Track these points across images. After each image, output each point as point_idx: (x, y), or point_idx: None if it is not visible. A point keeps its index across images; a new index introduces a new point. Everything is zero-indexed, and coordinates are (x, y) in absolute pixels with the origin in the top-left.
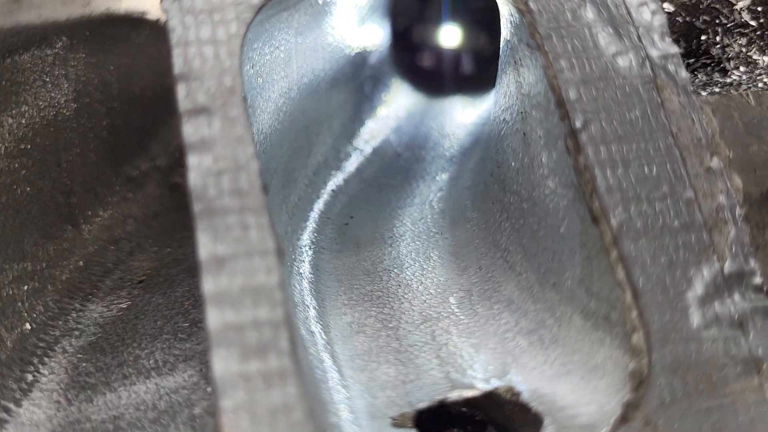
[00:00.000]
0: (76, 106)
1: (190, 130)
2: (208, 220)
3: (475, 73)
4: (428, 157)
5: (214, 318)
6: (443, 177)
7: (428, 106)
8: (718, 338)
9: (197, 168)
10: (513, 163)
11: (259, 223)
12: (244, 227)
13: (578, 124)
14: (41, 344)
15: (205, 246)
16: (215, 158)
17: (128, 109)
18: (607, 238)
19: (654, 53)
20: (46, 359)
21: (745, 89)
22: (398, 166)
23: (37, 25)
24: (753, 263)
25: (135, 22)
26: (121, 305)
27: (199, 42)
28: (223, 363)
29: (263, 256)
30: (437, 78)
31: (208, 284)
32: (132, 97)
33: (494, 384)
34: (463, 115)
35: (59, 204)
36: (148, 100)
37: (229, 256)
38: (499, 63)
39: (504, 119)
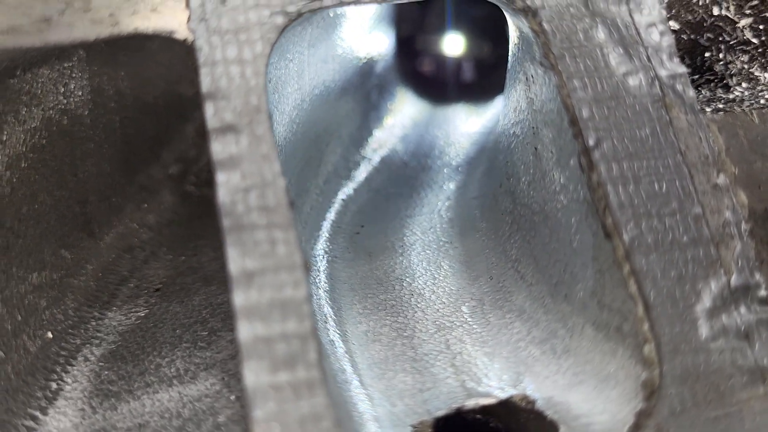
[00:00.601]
0: (91, 116)
1: (218, 148)
2: (237, 235)
3: (479, 81)
4: (435, 166)
5: (244, 331)
6: (450, 186)
7: (433, 114)
8: (725, 349)
9: (226, 185)
10: (524, 177)
11: (286, 238)
12: (272, 242)
13: (591, 142)
14: (63, 352)
15: (235, 261)
16: (243, 175)
17: (141, 117)
18: (620, 253)
19: (663, 73)
20: (68, 367)
21: (748, 105)
22: (405, 175)
23: (66, 44)
24: (758, 277)
25: (154, 37)
26: (139, 314)
27: (226, 62)
28: (254, 374)
29: (290, 271)
30: (441, 86)
31: (239, 298)
32: (145, 105)
33: (509, 392)
34: (467, 124)
35: (76, 214)
36: (161, 108)
37: (258, 271)
38: (508, 77)
39: (514, 133)
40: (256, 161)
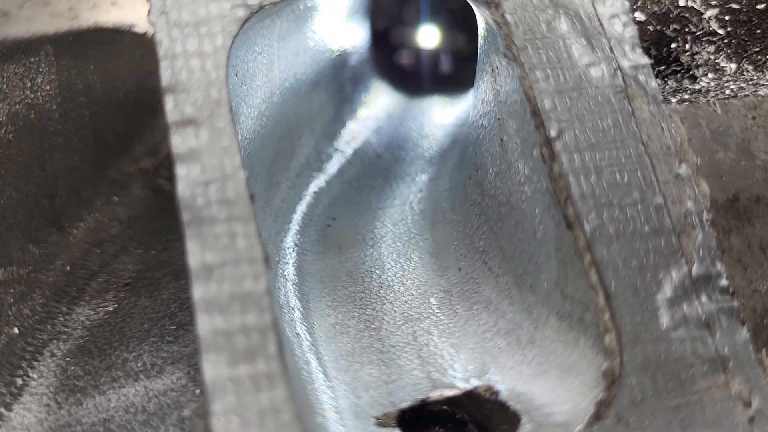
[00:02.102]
0: (60, 110)
1: (178, 141)
2: (197, 228)
3: (453, 73)
4: (408, 158)
5: (204, 324)
6: (423, 178)
7: (408, 107)
8: (686, 338)
9: (185, 178)
10: (491, 168)
11: (246, 231)
12: (232, 236)
13: (553, 132)
14: (29, 348)
15: (194, 254)
16: (203, 168)
17: (112, 112)
18: (581, 243)
19: (625, 64)
20: (35, 363)
21: (713, 96)
22: (378, 168)
23: (24, 39)
24: (719, 266)
25: (124, 31)
26: (107, 308)
27: (186, 55)
28: (213, 368)
29: (251, 264)
30: (416, 78)
31: (198, 291)
32: (115, 100)
33: (474, 383)
34: (441, 116)
35: (44, 208)
36: (131, 103)
37: (218, 264)
38: (477, 69)
39: (482, 124)
40: (216, 154)
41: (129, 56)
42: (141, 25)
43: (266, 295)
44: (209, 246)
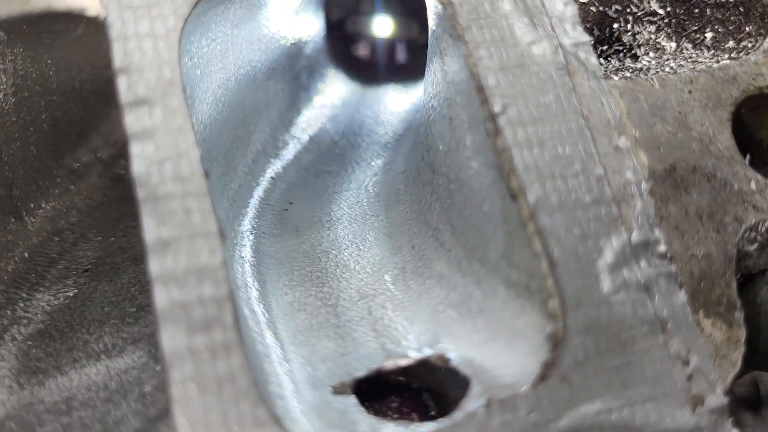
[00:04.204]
0: (14, 100)
1: (132, 121)
2: (152, 205)
3: (408, 61)
4: (363, 144)
5: (161, 297)
6: (378, 162)
7: (363, 95)
8: (626, 301)
9: (140, 156)
10: (441, 147)
11: (201, 206)
12: (187, 211)
13: (497, 108)
14: None
15: (150, 230)
16: (157, 146)
17: (68, 101)
18: (525, 213)
19: (566, 41)
20: None
21: (654, 74)
22: (335, 153)
23: None
24: (657, 233)
25: (75, 17)
26: (67, 293)
27: (138, 36)
28: (171, 338)
29: (206, 238)
30: (371, 67)
31: (155, 265)
32: (71, 89)
33: (426, 352)
34: (396, 103)
35: (1, 197)
36: (88, 92)
37: (174, 239)
38: (428, 53)
39: (432, 106)
40: (170, 133)
41: (84, 46)
42: (93, 8)
43: (222, 267)
44: (165, 221)
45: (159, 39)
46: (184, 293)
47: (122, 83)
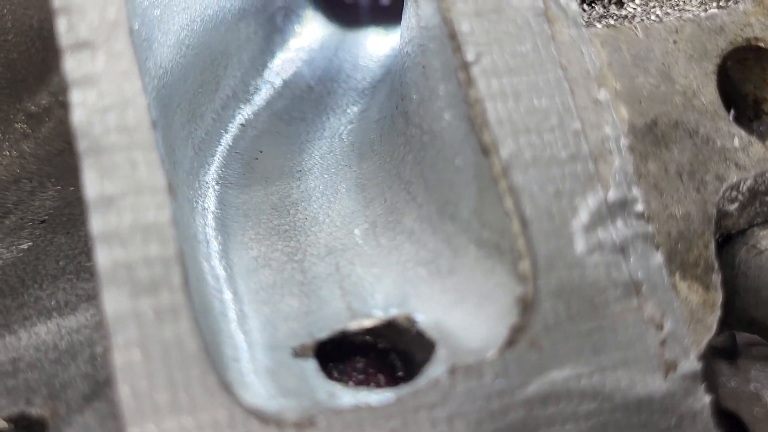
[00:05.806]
0: None
1: (73, 66)
2: (95, 158)
3: (390, 4)
4: (340, 90)
5: (103, 256)
6: (354, 110)
7: (342, 38)
8: (600, 263)
9: (81, 105)
10: (415, 96)
11: (147, 159)
12: (133, 164)
13: (470, 57)
14: None
15: (93, 184)
16: (100, 94)
17: (25, 41)
18: (497, 169)
19: None
20: None
21: (639, 21)
22: (310, 100)
23: None
24: (635, 191)
25: None
26: (21, 246)
27: None
28: (113, 301)
29: (153, 194)
30: (352, 9)
31: (97, 223)
32: (28, 29)
33: (392, 313)
34: (376, 47)
35: None
36: (47, 32)
37: (118, 194)
38: None
39: (407, 52)
40: (114, 79)
41: None
42: None
43: (170, 225)
44: (108, 175)
45: None
46: (129, 253)
47: (62, 24)
